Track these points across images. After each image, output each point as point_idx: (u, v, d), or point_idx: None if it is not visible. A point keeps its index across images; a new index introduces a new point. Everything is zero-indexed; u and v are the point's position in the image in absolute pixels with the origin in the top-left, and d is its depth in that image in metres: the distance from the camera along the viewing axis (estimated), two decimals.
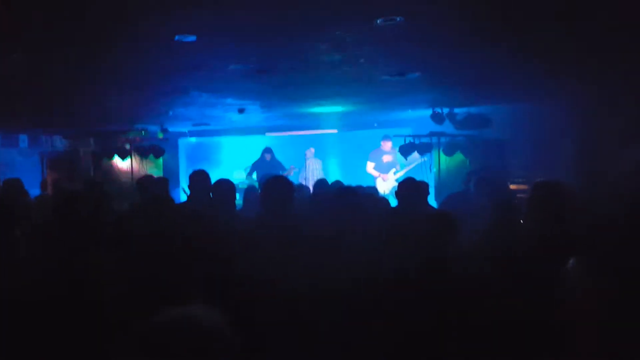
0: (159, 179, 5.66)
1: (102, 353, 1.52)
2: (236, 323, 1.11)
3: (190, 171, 4.60)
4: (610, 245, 2.49)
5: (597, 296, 1.70)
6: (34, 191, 7.79)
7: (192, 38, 2.93)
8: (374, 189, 5.31)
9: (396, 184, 9.09)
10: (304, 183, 8.53)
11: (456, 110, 7.17)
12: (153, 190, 4.71)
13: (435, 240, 2.73)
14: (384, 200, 4.67)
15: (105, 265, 2.74)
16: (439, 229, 2.75)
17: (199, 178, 4.32)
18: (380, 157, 9.32)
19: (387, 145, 9.24)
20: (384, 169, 9.30)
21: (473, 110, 7.06)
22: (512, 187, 6.26)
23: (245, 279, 2.56)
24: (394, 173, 9.26)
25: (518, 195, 5.89)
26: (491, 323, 2.40)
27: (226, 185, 4.05)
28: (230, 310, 1.19)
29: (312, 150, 10.40)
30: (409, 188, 3.85)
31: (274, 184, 3.36)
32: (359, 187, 4.42)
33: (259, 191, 5.15)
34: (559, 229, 2.99)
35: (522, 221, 3.89)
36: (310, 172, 10.10)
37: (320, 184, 5.20)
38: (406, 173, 9.01)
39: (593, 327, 1.69)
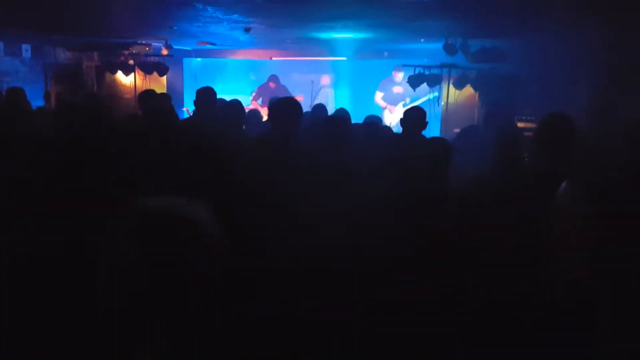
0: (161, 94, 5.57)
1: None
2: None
3: (194, 91, 4.53)
4: (608, 174, 2.45)
5: (582, 218, 1.67)
6: (38, 102, 7.73)
7: None
8: (377, 118, 5.21)
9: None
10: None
11: (470, 42, 6.93)
12: (155, 104, 4.64)
13: (431, 166, 2.71)
14: (387, 128, 4.60)
15: (103, 175, 2.73)
16: (434, 155, 2.72)
17: (205, 94, 4.26)
18: (390, 87, 9.11)
19: (398, 75, 9.01)
20: (393, 100, 9.12)
21: (487, 42, 6.82)
22: (520, 124, 6.15)
23: (247, 197, 2.54)
24: (403, 106, 9.10)
25: (526, 133, 5.80)
26: (483, 251, 2.40)
27: (235, 107, 4.01)
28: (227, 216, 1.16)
29: (327, 77, 10.15)
30: (412, 116, 3.82)
31: (282, 105, 3.31)
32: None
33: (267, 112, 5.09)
34: (563, 164, 2.94)
35: (526, 159, 3.86)
36: (322, 100, 9.96)
37: (320, 108, 5.11)
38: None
39: (576, 246, 1.67)
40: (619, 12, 4.51)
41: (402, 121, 3.87)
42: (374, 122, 4.43)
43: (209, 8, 5.19)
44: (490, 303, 2.28)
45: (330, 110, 10.02)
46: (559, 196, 1.77)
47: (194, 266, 0.99)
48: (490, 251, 2.45)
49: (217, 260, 1.03)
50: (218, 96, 4.64)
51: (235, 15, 5.65)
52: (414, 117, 3.84)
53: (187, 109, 8.86)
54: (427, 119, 3.99)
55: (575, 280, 1.66)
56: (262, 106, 9.06)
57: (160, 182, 2.33)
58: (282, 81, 9.79)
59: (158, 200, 1.05)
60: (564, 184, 1.78)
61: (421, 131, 3.82)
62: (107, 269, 1.00)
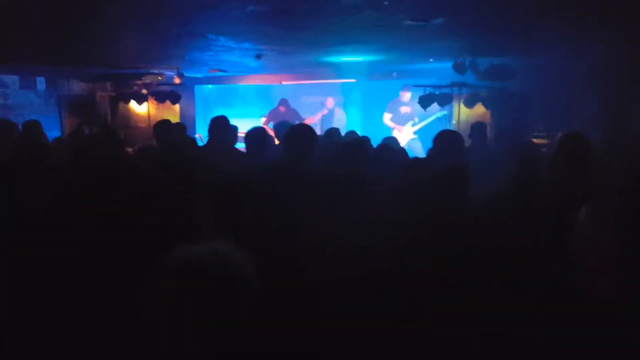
0: (177, 124, 5.65)
1: (125, 288, 1.53)
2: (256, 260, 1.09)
3: (207, 118, 4.60)
4: (623, 197, 2.43)
5: (600, 244, 1.67)
6: (53, 134, 7.85)
7: None
8: (393, 139, 5.23)
9: (414, 136, 9.02)
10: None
11: (479, 60, 6.96)
12: (170, 135, 4.70)
13: (449, 190, 2.72)
14: (402, 151, 4.61)
15: (123, 206, 2.76)
16: (452, 180, 2.73)
17: (219, 123, 4.32)
18: (397, 108, 9.16)
19: (405, 96, 9.06)
20: (401, 120, 9.15)
21: (496, 60, 6.85)
22: (534, 140, 6.14)
23: (266, 225, 2.56)
24: (412, 125, 9.12)
25: (541, 149, 5.78)
26: (502, 272, 2.39)
27: (257, 133, 4.07)
28: (250, 248, 1.17)
29: (332, 99, 10.22)
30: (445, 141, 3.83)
31: (296, 131, 3.35)
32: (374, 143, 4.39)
33: (277, 138, 5.13)
34: (580, 183, 2.94)
35: (542, 175, 3.84)
36: (337, 123, 10.01)
37: (334, 133, 5.15)
38: (425, 126, 8.88)
39: (595, 274, 1.66)
40: (624, 24, 4.52)
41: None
42: (390, 145, 4.46)
43: (221, 38, 5.28)
44: (509, 328, 2.27)
45: (342, 131, 10.08)
46: (580, 222, 1.77)
47: (235, 312, 1.00)
48: (511, 273, 2.44)
49: (255, 303, 1.03)
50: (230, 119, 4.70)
51: (247, 44, 5.74)
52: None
53: (200, 136, 8.95)
54: None
55: (599, 303, 1.65)
56: (272, 130, 9.13)
57: (184, 221, 2.35)
58: (293, 104, 9.88)
59: (197, 249, 1.06)
60: (583, 210, 1.78)
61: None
62: (148, 319, 1.00)
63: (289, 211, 2.73)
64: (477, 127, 5.05)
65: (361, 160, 3.28)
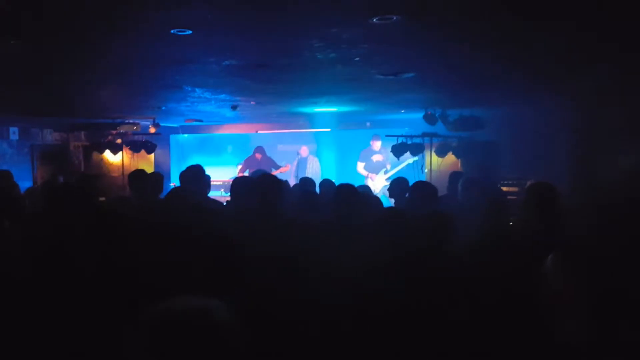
0: (153, 174, 5.63)
1: (107, 344, 1.52)
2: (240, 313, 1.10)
3: (182, 166, 4.62)
4: (591, 242, 2.54)
5: (568, 291, 1.74)
6: (25, 184, 7.73)
7: (188, 32, 2.93)
8: (367, 188, 5.33)
9: (386, 183, 9.16)
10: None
11: (449, 111, 7.21)
12: (145, 184, 4.68)
13: (432, 237, 2.80)
14: (377, 198, 4.69)
15: (100, 257, 2.73)
16: (436, 227, 2.81)
17: (193, 173, 4.35)
18: (369, 156, 9.34)
19: (376, 144, 9.26)
20: (374, 168, 9.32)
21: (465, 112, 7.10)
22: (503, 188, 6.30)
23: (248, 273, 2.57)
24: (385, 172, 9.28)
25: (509, 197, 5.94)
26: (473, 317, 2.45)
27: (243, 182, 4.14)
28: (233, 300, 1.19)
29: (306, 148, 10.37)
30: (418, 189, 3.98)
31: (263, 180, 3.43)
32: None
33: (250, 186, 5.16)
34: (548, 231, 3.03)
35: (511, 223, 3.95)
36: (310, 170, 10.09)
37: (309, 182, 5.22)
38: (397, 173, 9.04)
39: (563, 319, 1.72)
40: (591, 78, 4.77)
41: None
42: (366, 193, 4.56)
43: (197, 89, 5.38)
44: None
45: (317, 179, 10.12)
46: (548, 268, 1.84)
47: None
48: (484, 316, 2.49)
49: (239, 354, 1.04)
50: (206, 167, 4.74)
51: (223, 95, 5.85)
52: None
53: (175, 184, 8.92)
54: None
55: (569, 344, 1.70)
56: None
57: (164, 272, 2.35)
58: (268, 152, 9.98)
59: (175, 304, 1.05)
60: (550, 256, 1.86)
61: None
62: None
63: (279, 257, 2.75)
64: (455, 177, 5.13)
65: (356, 204, 3.39)
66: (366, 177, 9.27)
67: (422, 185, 4.13)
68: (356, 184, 5.93)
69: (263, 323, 2.08)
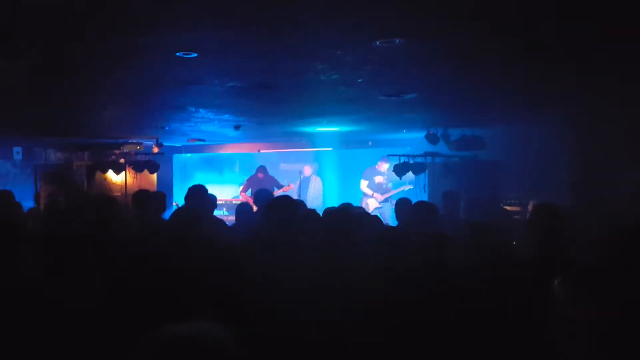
0: (155, 193, 5.64)
1: None
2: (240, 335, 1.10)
3: (185, 185, 4.64)
4: (597, 267, 2.53)
5: (575, 316, 1.72)
6: (28, 204, 7.75)
7: (194, 54, 2.97)
8: (361, 209, 5.36)
9: (380, 205, 9.18)
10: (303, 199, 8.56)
11: (450, 131, 7.24)
12: (149, 204, 4.70)
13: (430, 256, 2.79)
14: (376, 218, 4.69)
15: (101, 280, 2.73)
16: (435, 247, 2.80)
17: (196, 192, 4.36)
18: (373, 176, 9.33)
19: (384, 166, 9.22)
20: (376, 188, 9.33)
21: (467, 131, 7.13)
22: (506, 208, 6.30)
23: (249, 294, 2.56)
24: (381, 194, 9.30)
25: (513, 217, 5.93)
26: (480, 343, 2.42)
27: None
28: (235, 322, 1.19)
29: (309, 167, 10.39)
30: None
31: (278, 202, 3.41)
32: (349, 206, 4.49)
33: (256, 204, 5.16)
34: (554, 253, 3.02)
35: (514, 243, 3.93)
36: (312, 189, 10.08)
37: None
38: (393, 196, 9.09)
39: (571, 344, 1.71)
40: (593, 97, 4.79)
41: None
42: (365, 214, 4.56)
43: (201, 110, 5.42)
44: None
45: (319, 198, 10.09)
46: (556, 292, 1.83)
47: None
48: (485, 343, 2.46)
49: None
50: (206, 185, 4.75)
51: (226, 115, 5.89)
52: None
53: (177, 204, 8.93)
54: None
55: None
56: (251, 197, 9.16)
57: (168, 293, 2.35)
58: (270, 171, 10.00)
59: (178, 329, 1.06)
60: (558, 280, 1.85)
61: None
62: None
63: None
64: (448, 196, 5.15)
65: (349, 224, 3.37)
66: (370, 196, 9.25)
67: (423, 206, 4.13)
68: (358, 202, 5.96)
69: (264, 345, 2.07)
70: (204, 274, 2.45)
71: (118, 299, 2.40)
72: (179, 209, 4.44)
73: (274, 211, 3.34)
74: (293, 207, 3.34)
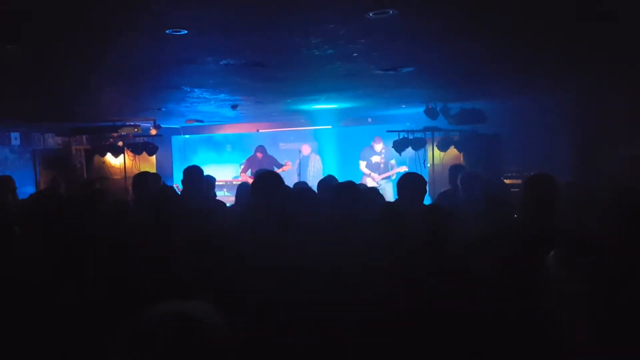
0: (153, 175, 5.62)
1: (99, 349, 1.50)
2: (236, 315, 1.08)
3: (184, 167, 4.61)
4: (592, 239, 2.52)
5: (568, 287, 1.71)
6: (28, 189, 7.75)
7: (184, 32, 2.91)
8: (364, 186, 5.32)
9: (376, 184, 9.14)
10: (303, 178, 8.54)
11: (450, 105, 7.18)
12: (148, 187, 4.68)
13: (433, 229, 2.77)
14: (377, 192, 4.68)
15: (103, 265, 2.72)
16: (436, 219, 2.79)
17: (192, 173, 4.34)
18: (369, 156, 9.27)
19: (378, 146, 9.15)
20: (372, 169, 9.29)
21: (467, 105, 7.07)
22: (507, 181, 6.27)
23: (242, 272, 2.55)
24: (378, 174, 9.26)
25: (512, 189, 5.90)
26: (478, 313, 2.42)
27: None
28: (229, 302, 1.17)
29: (308, 146, 10.35)
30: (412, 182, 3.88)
31: (262, 178, 3.38)
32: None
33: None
34: (549, 225, 3.00)
35: (515, 215, 3.91)
36: (312, 168, 10.05)
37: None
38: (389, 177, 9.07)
39: (563, 317, 1.70)
40: (594, 73, 4.74)
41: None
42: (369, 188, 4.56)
43: (196, 90, 5.36)
44: None
45: (319, 177, 10.07)
46: (550, 264, 1.81)
47: None
48: (485, 315, 2.46)
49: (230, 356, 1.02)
50: (205, 166, 4.72)
51: (222, 95, 5.83)
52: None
53: (177, 186, 8.92)
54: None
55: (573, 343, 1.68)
56: (251, 177, 9.15)
57: (159, 274, 2.34)
58: (269, 151, 9.96)
59: (163, 309, 1.03)
60: (552, 253, 1.84)
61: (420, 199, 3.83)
62: None
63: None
64: (454, 170, 5.02)
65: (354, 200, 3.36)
66: (368, 175, 9.21)
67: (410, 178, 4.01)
68: (357, 181, 5.93)
69: (260, 327, 2.07)
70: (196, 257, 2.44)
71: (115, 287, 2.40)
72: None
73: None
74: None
